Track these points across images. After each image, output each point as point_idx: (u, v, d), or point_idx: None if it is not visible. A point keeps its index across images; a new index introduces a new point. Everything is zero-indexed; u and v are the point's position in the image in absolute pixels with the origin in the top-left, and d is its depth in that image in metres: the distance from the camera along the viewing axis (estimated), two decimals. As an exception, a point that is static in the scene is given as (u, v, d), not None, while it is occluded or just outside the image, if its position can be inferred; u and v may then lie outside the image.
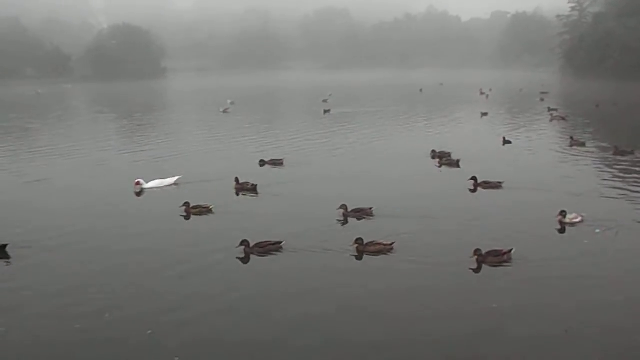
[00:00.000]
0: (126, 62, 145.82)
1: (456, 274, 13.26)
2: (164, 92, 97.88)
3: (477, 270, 13.51)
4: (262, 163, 25.71)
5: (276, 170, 24.91)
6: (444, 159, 25.66)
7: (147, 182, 22.25)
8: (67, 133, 40.34)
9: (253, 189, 21.08)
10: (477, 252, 13.78)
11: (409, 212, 17.72)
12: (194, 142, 33.47)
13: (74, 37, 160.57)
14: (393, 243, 14.69)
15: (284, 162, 25.78)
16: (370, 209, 17.41)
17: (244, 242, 14.60)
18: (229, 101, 64.13)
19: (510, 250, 13.99)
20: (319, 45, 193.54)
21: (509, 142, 30.66)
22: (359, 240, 14.52)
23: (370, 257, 14.28)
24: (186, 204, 18.47)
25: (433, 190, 20.77)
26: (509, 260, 13.77)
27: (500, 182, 21.02)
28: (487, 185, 20.80)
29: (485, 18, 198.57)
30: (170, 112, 58.26)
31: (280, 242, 14.87)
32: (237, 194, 20.71)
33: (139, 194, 21.54)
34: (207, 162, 27.19)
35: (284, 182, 22.31)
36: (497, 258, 13.79)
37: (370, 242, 14.59)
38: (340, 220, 16.97)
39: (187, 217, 18.18)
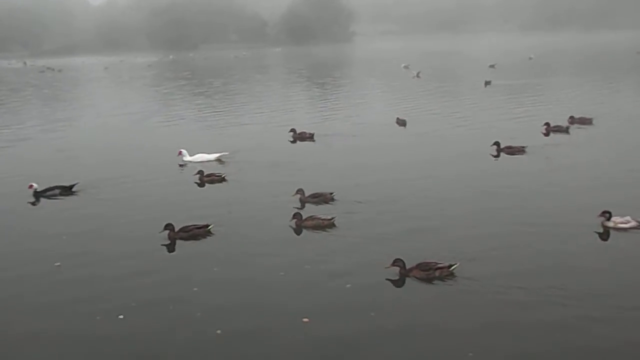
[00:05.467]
0: (317, 27, 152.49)
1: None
2: (362, 56, 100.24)
3: (398, 283, 11.16)
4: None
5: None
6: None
7: (191, 155, 21.51)
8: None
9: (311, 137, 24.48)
10: (397, 262, 11.35)
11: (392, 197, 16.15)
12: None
13: (271, 3, 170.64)
14: (333, 218, 14.12)
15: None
16: (331, 193, 16.04)
17: (168, 227, 13.59)
18: (402, 65, 65.90)
19: (451, 266, 11.30)
20: (511, 6, 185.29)
21: None
22: (297, 215, 14.12)
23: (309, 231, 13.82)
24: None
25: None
26: (441, 277, 11.11)
27: (523, 147, 20.97)
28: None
29: None
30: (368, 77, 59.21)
31: (208, 226, 13.91)
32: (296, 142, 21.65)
33: (182, 165, 21.09)
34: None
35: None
36: (425, 272, 11.15)
37: (309, 217, 14.16)
38: (297, 207, 15.38)
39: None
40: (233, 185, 18.37)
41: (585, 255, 12.24)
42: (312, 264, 12.07)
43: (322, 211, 14.99)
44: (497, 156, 20.90)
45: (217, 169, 19.98)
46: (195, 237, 13.61)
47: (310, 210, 15.24)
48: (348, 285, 11.06)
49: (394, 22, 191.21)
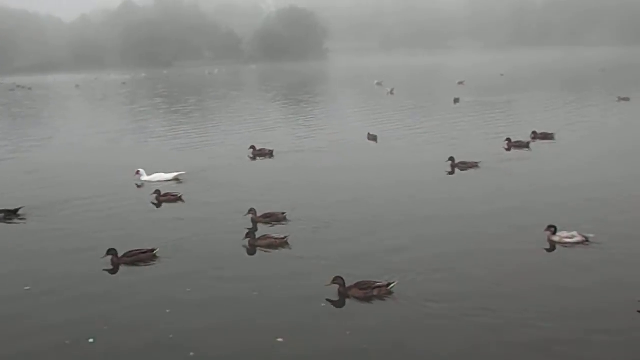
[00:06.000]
0: (291, 44, 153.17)
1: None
2: (334, 72, 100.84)
3: (339, 303, 11.05)
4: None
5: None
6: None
7: (148, 175, 21.21)
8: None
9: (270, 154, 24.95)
10: (337, 280, 11.15)
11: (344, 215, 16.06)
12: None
13: (245, 20, 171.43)
14: (286, 237, 13.94)
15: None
16: (283, 213, 15.77)
17: (111, 252, 13.13)
18: (375, 81, 66.29)
19: (389, 285, 11.11)
20: (483, 23, 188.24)
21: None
22: (250, 234, 13.96)
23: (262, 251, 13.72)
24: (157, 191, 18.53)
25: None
26: (379, 295, 11.00)
27: (476, 162, 21.35)
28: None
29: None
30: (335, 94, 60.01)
31: (154, 250, 13.43)
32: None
33: (140, 186, 20.75)
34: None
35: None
36: (363, 291, 10.99)
37: (262, 236, 14.01)
38: (248, 228, 14.82)
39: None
40: (188, 205, 18.15)
41: (524, 270, 12.21)
42: (267, 282, 11.94)
43: (276, 230, 14.86)
44: (451, 172, 21.13)
45: (176, 189, 19.71)
46: (140, 262, 13.16)
47: (264, 229, 15.10)
48: (323, 305, 10.97)
49: (368, 39, 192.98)
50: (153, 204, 18.47)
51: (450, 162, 21.44)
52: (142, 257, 13.26)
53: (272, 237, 14.00)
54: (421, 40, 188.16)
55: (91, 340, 9.95)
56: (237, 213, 16.17)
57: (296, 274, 12.39)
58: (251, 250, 13.80)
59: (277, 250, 13.71)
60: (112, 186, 20.78)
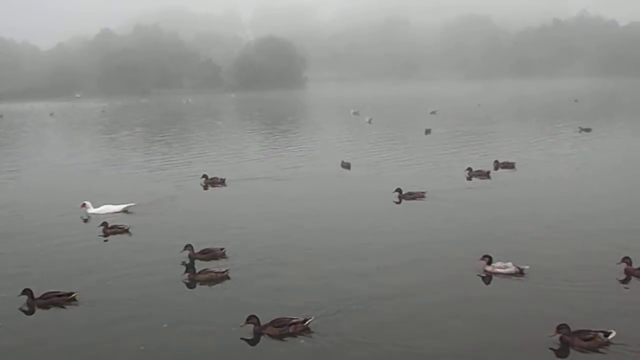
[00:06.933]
0: (270, 73, 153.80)
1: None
2: (312, 101, 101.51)
3: (253, 341, 10.97)
4: None
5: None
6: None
7: (95, 207, 20.59)
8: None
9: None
10: (250, 319, 11.00)
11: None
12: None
13: (224, 49, 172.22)
14: (227, 271, 13.80)
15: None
16: (222, 249, 15.42)
17: (26, 292, 12.59)
18: (352, 111, 66.70)
19: (305, 321, 11.04)
20: (460, 55, 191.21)
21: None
22: (189, 269, 13.92)
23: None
24: (104, 223, 18.14)
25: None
26: (295, 332, 10.94)
27: (423, 192, 21.56)
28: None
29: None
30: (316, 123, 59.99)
31: (72, 294, 12.75)
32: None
33: (86, 220, 20.10)
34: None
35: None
36: (278, 329, 10.95)
37: (202, 270, 13.87)
38: (184, 262, 14.88)
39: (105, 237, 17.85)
40: (134, 238, 17.79)
41: (448, 301, 12.30)
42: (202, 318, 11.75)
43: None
44: (399, 202, 21.27)
45: (124, 220, 19.26)
46: (56, 305, 12.53)
47: (204, 263, 14.87)
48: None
49: (347, 69, 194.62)
50: (100, 235, 18.00)
51: (397, 193, 21.57)
52: (57, 300, 12.65)
53: (212, 271, 13.82)
54: (399, 70, 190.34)
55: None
56: (180, 247, 15.53)
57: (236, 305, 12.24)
58: (191, 285, 13.58)
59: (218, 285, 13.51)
60: (59, 217, 20.30)
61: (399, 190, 21.60)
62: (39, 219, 20.18)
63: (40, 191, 25.78)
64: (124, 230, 18.16)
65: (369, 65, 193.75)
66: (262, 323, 10.95)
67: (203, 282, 13.57)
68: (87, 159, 36.12)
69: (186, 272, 13.86)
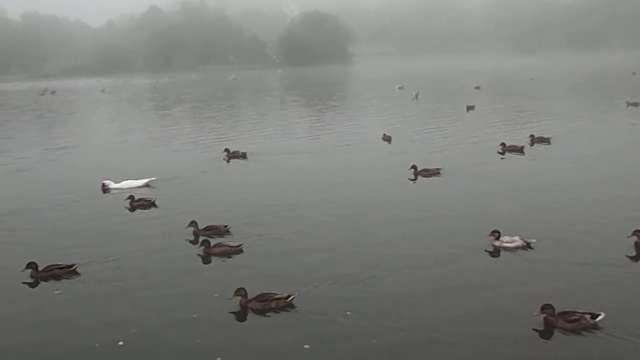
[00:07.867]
0: (315, 48, 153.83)
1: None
2: (361, 77, 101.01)
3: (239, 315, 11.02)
4: None
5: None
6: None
7: (116, 183, 21.24)
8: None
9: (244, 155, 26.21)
10: (239, 291, 11.10)
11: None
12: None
13: (269, 25, 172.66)
14: (240, 245, 14.05)
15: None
16: (225, 226, 15.55)
17: (31, 265, 12.98)
18: (397, 86, 66.67)
19: (289, 297, 11.09)
20: (507, 27, 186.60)
21: None
22: (205, 243, 14.08)
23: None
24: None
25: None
26: (278, 307, 10.99)
27: (438, 169, 21.66)
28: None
29: None
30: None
31: (73, 265, 13.14)
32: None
33: (106, 194, 20.93)
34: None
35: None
36: (261, 304, 10.98)
37: (217, 244, 14.08)
38: (188, 240, 15.20)
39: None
40: (159, 211, 18.29)
41: (453, 274, 12.29)
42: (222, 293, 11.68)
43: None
44: (414, 179, 21.37)
45: (149, 194, 20.00)
46: (56, 277, 12.90)
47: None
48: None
49: (392, 43, 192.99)
50: (127, 208, 18.77)
51: (412, 170, 21.62)
52: (59, 273, 12.99)
53: (226, 245, 14.08)
54: (446, 44, 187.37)
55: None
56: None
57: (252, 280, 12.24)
58: (206, 259, 13.84)
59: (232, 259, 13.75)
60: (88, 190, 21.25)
61: (414, 167, 21.73)
62: (84, 193, 21.02)
63: (93, 167, 26.31)
64: (151, 203, 18.78)
65: (414, 40, 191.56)
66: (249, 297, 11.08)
67: (217, 255, 13.92)
68: (141, 136, 37.17)
69: (201, 245, 14.16)
